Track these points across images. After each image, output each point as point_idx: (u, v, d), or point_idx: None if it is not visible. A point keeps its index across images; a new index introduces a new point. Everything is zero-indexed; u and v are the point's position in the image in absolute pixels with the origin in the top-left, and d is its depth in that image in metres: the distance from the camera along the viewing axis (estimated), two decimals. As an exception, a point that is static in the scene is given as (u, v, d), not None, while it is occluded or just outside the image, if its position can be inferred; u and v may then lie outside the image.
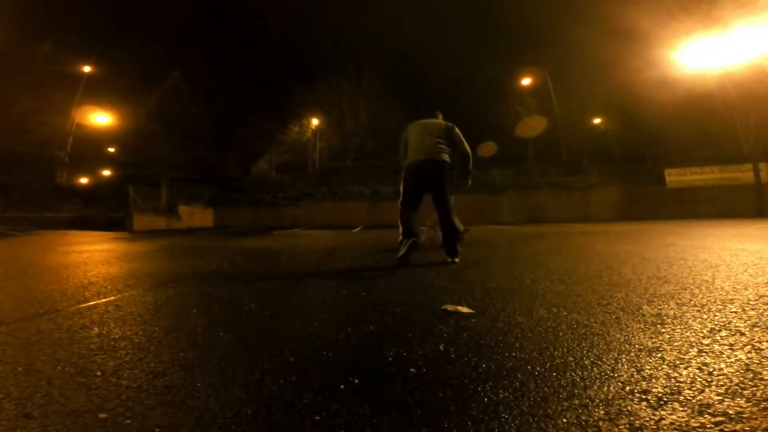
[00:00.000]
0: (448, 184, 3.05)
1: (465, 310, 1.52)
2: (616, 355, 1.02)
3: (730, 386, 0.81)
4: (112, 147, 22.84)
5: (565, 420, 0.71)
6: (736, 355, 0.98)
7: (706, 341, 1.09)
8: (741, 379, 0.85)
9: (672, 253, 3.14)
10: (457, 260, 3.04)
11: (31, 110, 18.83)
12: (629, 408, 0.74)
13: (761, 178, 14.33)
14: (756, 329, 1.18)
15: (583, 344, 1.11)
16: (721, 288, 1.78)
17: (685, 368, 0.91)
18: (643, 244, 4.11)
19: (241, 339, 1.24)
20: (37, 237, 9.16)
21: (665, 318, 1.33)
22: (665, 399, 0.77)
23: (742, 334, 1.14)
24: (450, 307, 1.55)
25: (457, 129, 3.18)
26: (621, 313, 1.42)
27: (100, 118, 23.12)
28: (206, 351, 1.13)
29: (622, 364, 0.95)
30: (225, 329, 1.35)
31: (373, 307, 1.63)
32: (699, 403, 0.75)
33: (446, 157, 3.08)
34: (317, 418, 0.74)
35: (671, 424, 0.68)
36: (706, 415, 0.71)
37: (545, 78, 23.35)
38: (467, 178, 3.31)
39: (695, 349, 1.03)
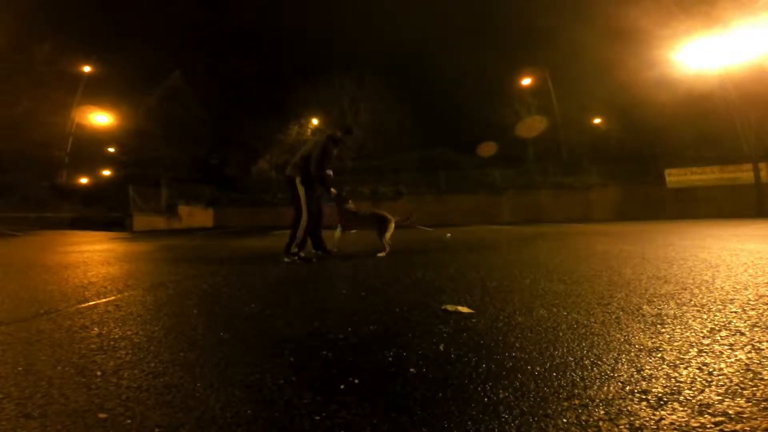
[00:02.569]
0: (297, 193, 3.45)
1: (465, 310, 1.52)
2: (616, 355, 1.02)
3: (730, 386, 0.81)
4: (112, 147, 22.82)
5: (565, 420, 0.71)
6: (736, 355, 0.98)
7: (706, 341, 1.09)
8: (741, 379, 0.85)
9: (672, 253, 3.14)
10: (286, 259, 3.35)
11: (31, 110, 18.80)
12: (629, 408, 0.74)
13: (761, 178, 14.34)
14: (756, 329, 1.18)
15: (583, 344, 1.11)
16: (721, 288, 1.78)
17: (685, 368, 0.91)
18: (643, 244, 4.11)
19: (241, 339, 1.24)
20: (37, 237, 9.16)
21: (665, 318, 1.33)
22: (665, 399, 0.77)
23: (742, 334, 1.14)
24: (450, 307, 1.55)
25: (319, 147, 3.42)
26: (621, 313, 1.42)
27: (100, 118, 23.09)
28: (206, 351, 1.13)
29: (622, 364, 0.95)
30: (225, 329, 1.35)
31: (373, 307, 1.63)
32: (699, 403, 0.75)
33: (289, 171, 3.49)
34: (317, 418, 0.74)
35: (671, 424, 0.68)
36: (706, 415, 0.71)
37: (545, 78, 23.32)
38: (323, 186, 3.60)
39: (695, 349, 1.03)
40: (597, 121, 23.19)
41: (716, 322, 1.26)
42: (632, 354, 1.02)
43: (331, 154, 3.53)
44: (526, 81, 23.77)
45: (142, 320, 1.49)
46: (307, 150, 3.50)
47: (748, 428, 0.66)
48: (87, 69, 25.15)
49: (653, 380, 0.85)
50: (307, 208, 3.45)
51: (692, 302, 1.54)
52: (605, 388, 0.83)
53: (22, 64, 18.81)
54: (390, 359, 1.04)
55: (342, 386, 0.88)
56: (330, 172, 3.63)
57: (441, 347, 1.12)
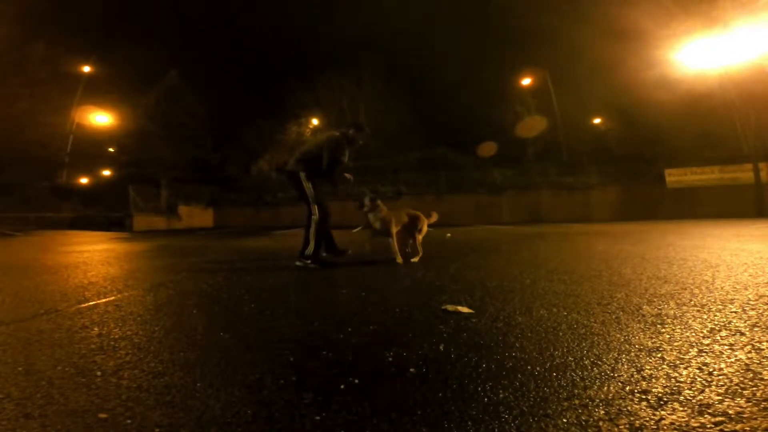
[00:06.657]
0: (303, 189, 3.14)
1: (465, 310, 1.52)
2: (616, 355, 1.02)
3: (730, 386, 0.81)
4: (111, 147, 22.84)
5: (565, 420, 0.71)
6: (736, 355, 0.98)
7: (706, 341, 1.09)
8: (741, 379, 0.85)
9: (672, 253, 3.14)
10: (298, 263, 3.04)
11: (30, 110, 18.81)
12: (629, 408, 0.74)
13: (761, 178, 14.33)
14: (756, 329, 1.18)
15: (583, 344, 1.11)
16: (721, 288, 1.78)
17: (685, 368, 0.91)
18: (643, 244, 4.11)
19: (241, 339, 1.24)
20: (37, 237, 9.16)
21: (665, 318, 1.33)
22: (665, 399, 0.77)
23: (742, 334, 1.14)
24: (450, 307, 1.55)
25: (330, 143, 3.19)
26: (621, 313, 1.42)
27: (100, 118, 23.11)
28: (206, 351, 1.13)
29: (622, 364, 0.95)
30: (225, 329, 1.35)
31: (373, 307, 1.63)
32: (699, 403, 0.75)
33: (292, 166, 3.21)
34: (317, 418, 0.74)
35: (671, 424, 0.68)
36: (706, 415, 0.71)
37: (545, 78, 23.33)
38: (331, 184, 3.44)
39: (695, 349, 1.03)
40: (597, 121, 23.20)
41: (716, 322, 1.26)
42: (632, 354, 1.02)
43: (345, 152, 3.28)
44: (526, 81, 23.78)
45: (142, 320, 1.49)
46: (308, 149, 3.28)
47: (748, 428, 0.66)
48: (87, 69, 25.16)
49: (653, 380, 0.85)
50: (317, 203, 3.12)
51: (692, 302, 1.54)
52: (605, 388, 0.83)
53: (22, 64, 18.81)
54: (390, 359, 1.04)
55: (342, 386, 0.88)
56: (349, 176, 3.47)
57: (441, 347, 1.12)
